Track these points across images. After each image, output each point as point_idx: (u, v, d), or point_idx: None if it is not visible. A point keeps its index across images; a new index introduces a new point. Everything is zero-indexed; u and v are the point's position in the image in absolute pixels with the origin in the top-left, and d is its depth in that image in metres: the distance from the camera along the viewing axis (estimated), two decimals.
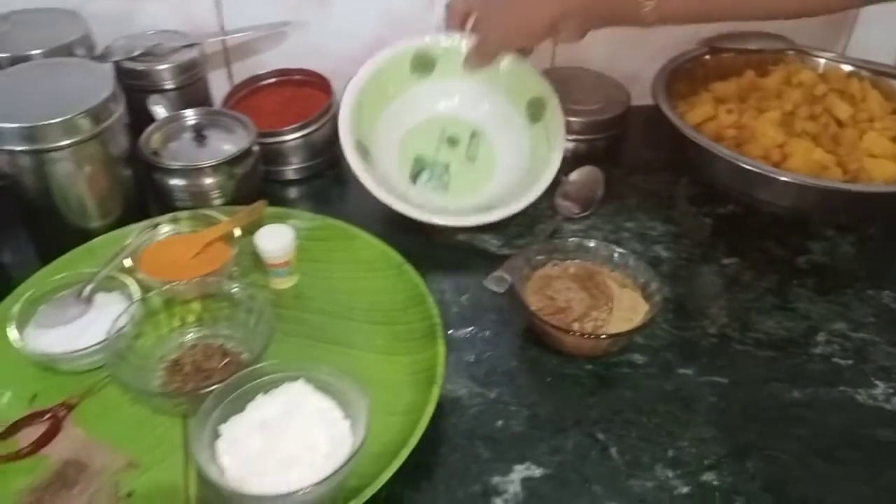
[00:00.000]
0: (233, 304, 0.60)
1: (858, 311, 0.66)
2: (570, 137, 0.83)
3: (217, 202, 0.72)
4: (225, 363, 0.57)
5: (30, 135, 0.63)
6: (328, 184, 0.82)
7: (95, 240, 0.67)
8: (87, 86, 0.66)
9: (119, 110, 0.67)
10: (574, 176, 0.79)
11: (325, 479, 0.47)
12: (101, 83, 0.67)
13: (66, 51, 0.73)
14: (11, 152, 0.64)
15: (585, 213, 0.77)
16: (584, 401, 0.59)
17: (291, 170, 0.81)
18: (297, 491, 0.47)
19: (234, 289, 0.61)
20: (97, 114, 0.65)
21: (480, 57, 0.72)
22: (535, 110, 0.77)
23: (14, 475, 0.51)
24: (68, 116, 0.63)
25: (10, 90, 0.66)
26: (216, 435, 0.50)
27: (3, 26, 0.75)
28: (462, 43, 0.73)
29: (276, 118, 0.80)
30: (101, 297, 0.61)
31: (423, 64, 0.77)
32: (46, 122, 0.63)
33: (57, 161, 0.65)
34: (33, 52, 0.72)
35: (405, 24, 0.84)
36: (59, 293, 0.61)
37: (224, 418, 0.51)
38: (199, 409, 0.51)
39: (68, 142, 0.64)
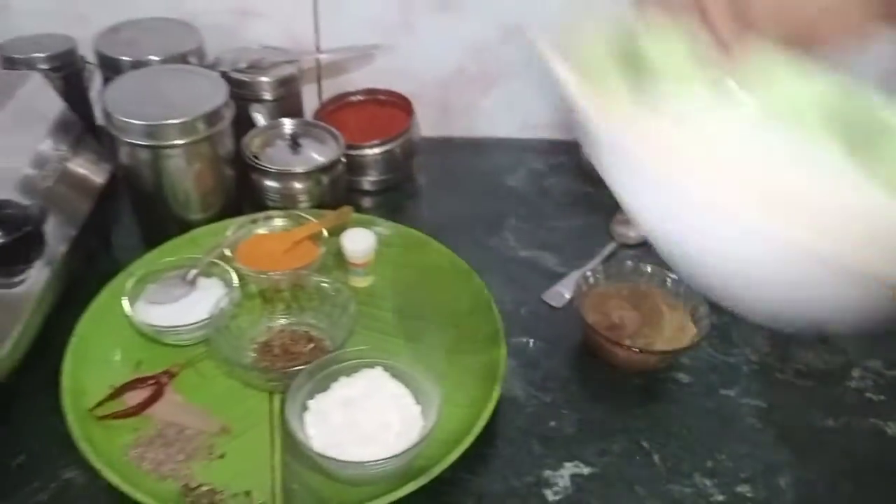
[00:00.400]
0: (320, 297, 0.67)
1: (894, 350, 0.70)
2: None
3: (304, 205, 0.79)
4: (310, 348, 0.64)
5: (151, 132, 0.71)
6: (402, 196, 0.89)
7: (198, 230, 0.74)
8: (203, 92, 0.74)
9: (229, 116, 0.75)
10: None
11: (398, 455, 0.53)
12: (215, 91, 0.74)
13: (181, 59, 0.81)
14: (132, 146, 0.72)
15: (639, 242, 0.82)
16: (631, 411, 0.64)
17: (369, 181, 0.88)
18: (374, 461, 0.53)
19: (323, 283, 0.67)
20: (211, 118, 0.72)
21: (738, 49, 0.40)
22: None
23: (122, 431, 0.58)
24: (187, 119, 0.71)
25: (136, 90, 0.74)
26: (304, 408, 0.57)
27: (127, 33, 0.83)
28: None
29: (360, 133, 0.87)
30: (202, 281, 0.69)
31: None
32: (167, 122, 0.71)
33: (171, 157, 0.72)
34: (153, 58, 0.80)
35: (484, 55, 0.91)
36: (166, 274, 0.69)
37: (311, 395, 0.58)
38: (285, 385, 0.58)
39: (183, 141, 0.71)
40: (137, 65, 0.79)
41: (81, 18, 0.86)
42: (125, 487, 0.53)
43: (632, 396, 0.65)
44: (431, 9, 0.89)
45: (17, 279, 0.58)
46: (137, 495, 0.52)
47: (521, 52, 0.92)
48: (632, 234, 0.82)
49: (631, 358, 0.66)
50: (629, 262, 0.73)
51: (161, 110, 0.71)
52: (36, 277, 0.61)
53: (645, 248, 0.81)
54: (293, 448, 0.56)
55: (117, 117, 0.71)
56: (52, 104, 0.74)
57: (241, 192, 0.80)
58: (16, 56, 0.81)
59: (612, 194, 0.88)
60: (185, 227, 0.75)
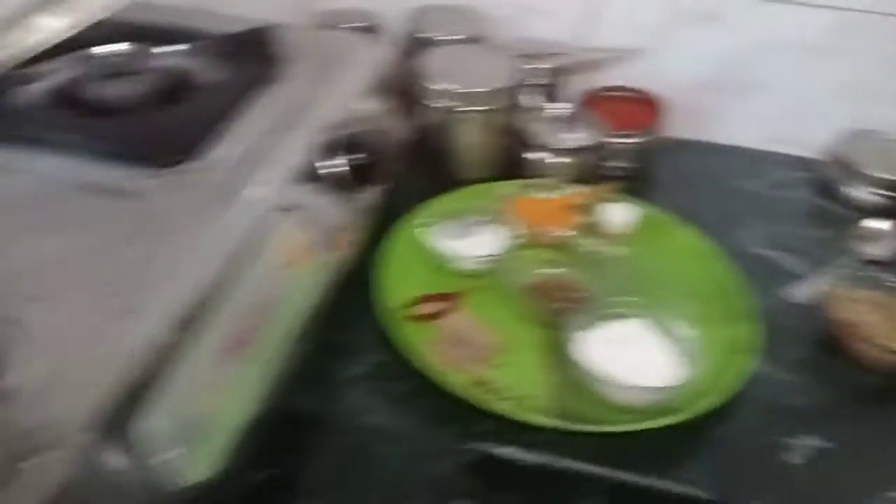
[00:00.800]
0: (582, 256, 0.77)
1: None
2: (876, 192, 0.91)
3: (565, 179, 0.89)
4: (577, 295, 0.74)
5: (454, 98, 0.83)
6: (642, 185, 0.96)
7: (479, 185, 0.86)
8: (497, 70, 0.86)
9: (517, 94, 0.86)
10: (873, 224, 0.88)
11: (664, 388, 0.61)
12: (508, 70, 0.86)
13: (474, 41, 0.94)
14: (436, 109, 0.85)
15: (879, 259, 0.85)
16: (869, 403, 0.68)
17: (615, 167, 0.97)
18: (643, 387, 0.61)
19: (586, 245, 0.77)
20: (503, 93, 0.84)
21: None
22: None
23: (423, 331, 0.70)
24: (485, 90, 0.83)
25: (443, 63, 0.87)
26: (576, 340, 0.66)
27: (430, 14, 0.97)
28: None
29: (613, 124, 0.96)
30: (483, 227, 0.80)
31: None
32: (468, 91, 0.83)
33: (466, 122, 0.85)
34: (452, 38, 0.93)
35: (736, 67, 0.98)
36: (452, 217, 0.80)
37: (582, 330, 0.67)
38: (555, 319, 0.68)
39: (479, 109, 0.84)
40: (438, 42, 0.93)
41: (386, 2, 1.01)
42: (430, 372, 0.65)
43: (870, 391, 0.70)
44: (695, 20, 0.97)
45: (360, 197, 0.72)
46: (439, 378, 0.64)
47: (772, 68, 0.98)
48: (871, 251, 0.85)
49: (874, 356, 0.70)
50: (873, 273, 0.77)
51: (463, 81, 0.84)
52: (368, 201, 0.75)
53: (882, 269, 0.84)
54: (562, 369, 0.65)
55: (428, 83, 0.84)
56: (377, 66, 0.88)
57: (511, 161, 0.91)
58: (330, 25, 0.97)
59: (851, 211, 0.90)
60: (464, 183, 0.87)
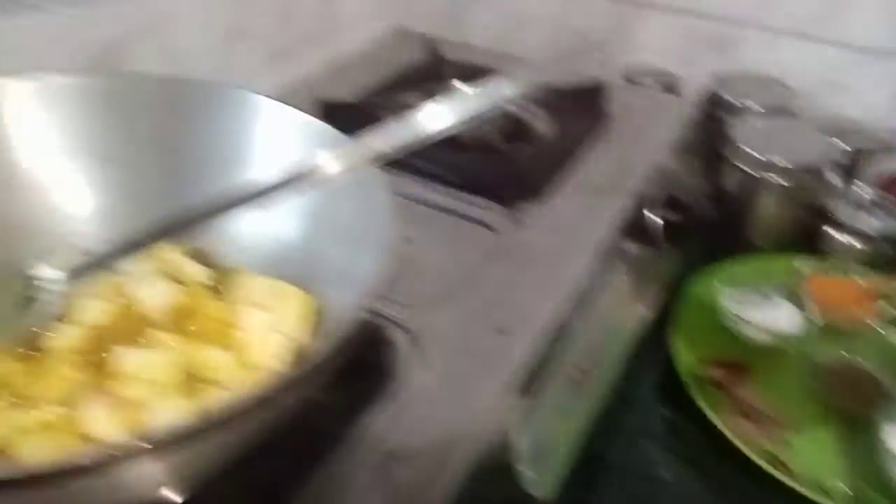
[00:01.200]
0: (880, 346, 0.75)
1: None
2: None
3: (861, 262, 0.86)
4: (875, 386, 0.72)
5: (767, 166, 0.85)
6: None
7: (773, 255, 0.86)
8: (808, 144, 0.86)
9: (822, 170, 0.86)
10: None
11: None
12: (817, 145, 0.86)
13: (777, 111, 0.95)
14: (745, 174, 0.86)
15: None
16: None
17: None
18: None
19: (885, 334, 0.75)
20: (810, 168, 0.84)
21: None
22: None
23: (712, 396, 0.70)
24: (795, 162, 0.84)
25: (755, 129, 0.89)
26: (880, 431, 0.65)
27: (735, 82, 0.99)
28: None
29: None
30: (777, 299, 0.80)
31: None
32: (780, 162, 0.84)
33: (769, 191, 0.86)
34: (753, 105, 0.95)
35: None
36: (746, 284, 0.81)
37: (886, 422, 0.66)
38: (850, 408, 0.67)
39: (785, 180, 0.84)
40: (740, 109, 0.95)
41: (687, 63, 1.04)
42: (719, 438, 0.66)
43: None
44: None
45: (667, 252, 0.75)
46: (729, 446, 0.65)
47: None
48: None
49: None
50: None
51: (771, 151, 0.85)
52: (670, 257, 0.78)
53: None
54: (862, 458, 0.64)
55: (735, 149, 0.86)
56: (684, 125, 0.90)
57: (806, 235, 0.90)
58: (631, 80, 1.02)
59: None
60: (757, 249, 0.88)
